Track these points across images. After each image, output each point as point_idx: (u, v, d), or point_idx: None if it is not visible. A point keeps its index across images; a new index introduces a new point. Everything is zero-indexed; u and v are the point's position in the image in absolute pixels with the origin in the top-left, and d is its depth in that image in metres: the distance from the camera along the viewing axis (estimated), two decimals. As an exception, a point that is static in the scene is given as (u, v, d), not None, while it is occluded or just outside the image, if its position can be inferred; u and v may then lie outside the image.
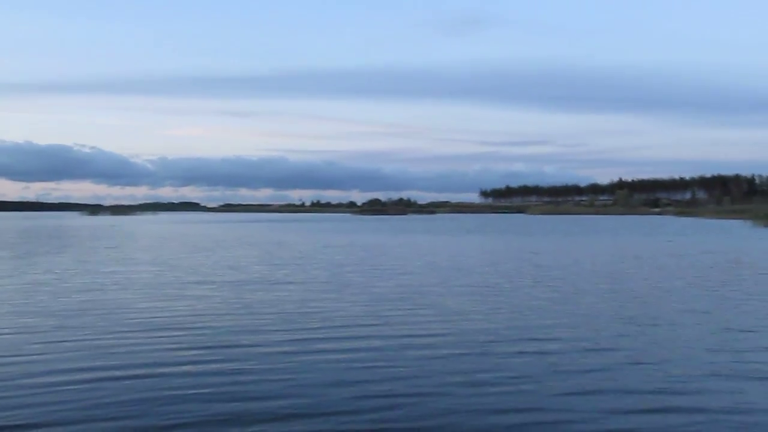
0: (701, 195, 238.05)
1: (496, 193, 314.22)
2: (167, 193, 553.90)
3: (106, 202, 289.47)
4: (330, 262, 28.96)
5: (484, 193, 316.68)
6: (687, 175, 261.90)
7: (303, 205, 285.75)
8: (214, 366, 9.95)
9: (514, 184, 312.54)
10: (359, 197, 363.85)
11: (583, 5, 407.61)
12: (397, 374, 9.46)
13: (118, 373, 9.47)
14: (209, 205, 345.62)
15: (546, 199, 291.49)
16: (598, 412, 7.81)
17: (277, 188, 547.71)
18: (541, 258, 31.35)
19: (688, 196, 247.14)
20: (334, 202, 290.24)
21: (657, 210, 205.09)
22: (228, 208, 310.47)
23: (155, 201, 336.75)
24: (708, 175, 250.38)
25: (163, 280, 21.70)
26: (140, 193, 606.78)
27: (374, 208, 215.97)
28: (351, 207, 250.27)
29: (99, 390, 8.63)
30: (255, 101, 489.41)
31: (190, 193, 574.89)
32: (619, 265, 27.79)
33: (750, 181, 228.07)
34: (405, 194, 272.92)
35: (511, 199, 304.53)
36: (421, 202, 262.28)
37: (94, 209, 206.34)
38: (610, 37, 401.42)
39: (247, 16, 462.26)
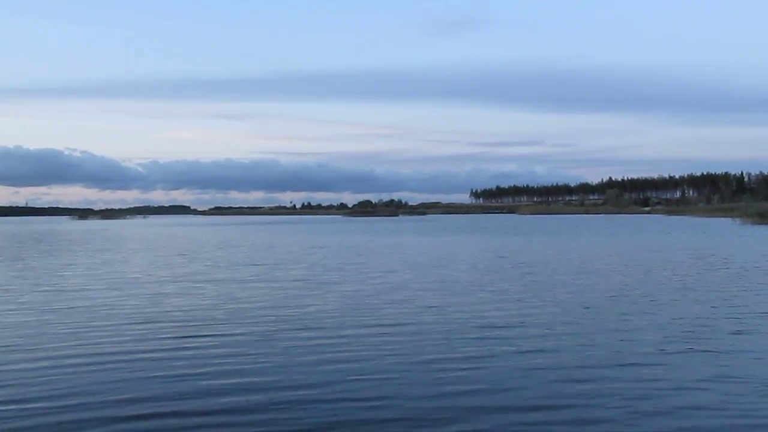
0: (691, 193, 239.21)
1: (487, 194, 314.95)
2: (158, 196, 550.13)
3: (97, 207, 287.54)
4: (306, 261, 29.40)
5: (475, 194, 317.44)
6: (677, 174, 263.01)
7: (294, 207, 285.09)
8: (182, 361, 10.33)
9: (505, 184, 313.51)
10: (351, 199, 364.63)
11: (573, 6, 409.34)
12: (357, 364, 9.88)
13: (93, 366, 9.86)
14: (200, 209, 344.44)
15: (536, 199, 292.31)
16: (543, 392, 8.17)
17: (268, 191, 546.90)
18: (517, 256, 31.91)
19: (677, 194, 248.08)
20: (325, 204, 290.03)
21: (647, 209, 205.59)
22: (218, 211, 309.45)
23: (146, 205, 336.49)
24: (697, 173, 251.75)
25: (147, 280, 22.02)
26: (131, 197, 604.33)
27: (365, 209, 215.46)
28: (341, 209, 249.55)
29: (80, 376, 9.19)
30: (246, 104, 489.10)
31: (180, 197, 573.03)
32: (592, 261, 28.21)
33: (739, 180, 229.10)
34: (396, 195, 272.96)
35: (502, 199, 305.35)
36: (412, 203, 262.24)
37: (83, 213, 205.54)
38: (600, 37, 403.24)
39: (238, 18, 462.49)
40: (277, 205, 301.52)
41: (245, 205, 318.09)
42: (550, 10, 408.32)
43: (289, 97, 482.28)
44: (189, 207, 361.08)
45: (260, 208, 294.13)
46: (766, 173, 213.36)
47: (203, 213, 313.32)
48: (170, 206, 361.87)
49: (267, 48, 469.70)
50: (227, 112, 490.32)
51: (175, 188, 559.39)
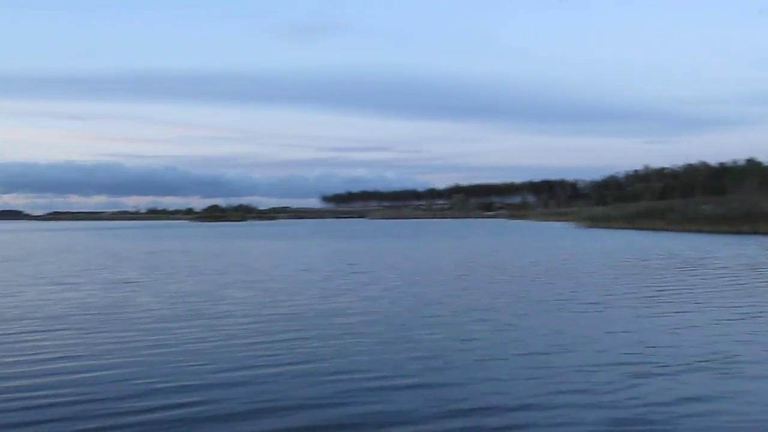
0: (531, 198, 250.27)
1: (338, 199, 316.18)
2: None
3: None
4: (136, 265, 29.68)
5: (326, 199, 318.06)
6: (518, 180, 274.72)
7: (138, 212, 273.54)
8: None
9: (356, 189, 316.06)
10: (199, 203, 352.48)
11: (423, 17, 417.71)
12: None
13: None
14: (34, 213, 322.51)
15: (386, 203, 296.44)
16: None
17: (111, 195, 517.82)
18: (349, 257, 33.60)
19: (518, 199, 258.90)
20: (172, 208, 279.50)
21: (491, 213, 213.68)
22: (56, 216, 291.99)
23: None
24: (537, 179, 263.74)
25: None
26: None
27: (213, 214, 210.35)
28: (189, 214, 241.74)
29: None
30: (89, 104, 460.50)
31: (13, 201, 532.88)
32: (423, 262, 30.26)
33: (573, 186, 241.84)
34: (247, 200, 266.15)
35: (353, 204, 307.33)
36: (262, 207, 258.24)
37: None
38: (447, 48, 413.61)
39: (78, 13, 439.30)
40: (120, 210, 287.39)
41: (86, 210, 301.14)
42: (400, 20, 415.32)
43: (134, 97, 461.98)
44: (21, 212, 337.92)
45: (102, 213, 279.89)
46: (597, 180, 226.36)
47: (38, 218, 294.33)
48: (0, 211, 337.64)
49: (110, 46, 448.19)
50: (67, 112, 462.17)
51: (7, 192, 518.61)
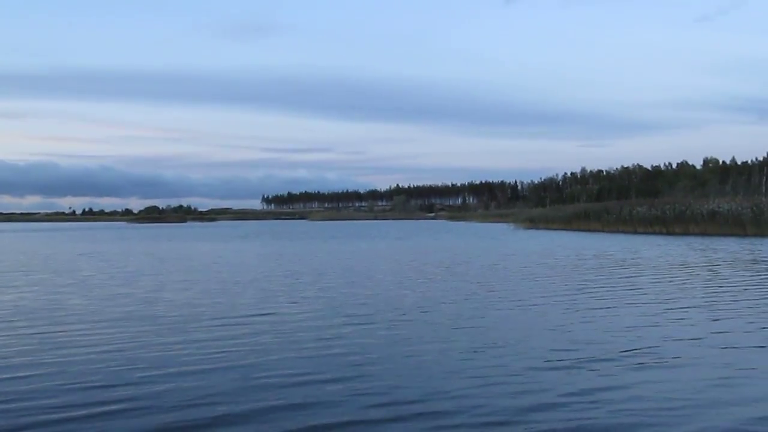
0: (471, 200, 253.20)
1: (279, 200, 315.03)
2: None
3: None
4: (68, 268, 29.50)
5: (267, 200, 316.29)
6: (458, 182, 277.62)
7: (73, 213, 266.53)
8: None
9: (297, 190, 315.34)
10: (137, 204, 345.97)
11: (365, 18, 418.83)
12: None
13: None
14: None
15: (327, 205, 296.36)
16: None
17: (46, 195, 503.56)
18: (279, 259, 33.94)
19: (459, 201, 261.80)
20: (109, 209, 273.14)
21: (432, 215, 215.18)
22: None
23: None
24: (477, 181, 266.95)
25: None
26: None
27: (151, 216, 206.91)
28: (126, 215, 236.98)
29: None
30: (23, 101, 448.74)
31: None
32: (359, 263, 30.74)
33: (513, 188, 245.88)
34: (186, 201, 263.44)
35: (294, 205, 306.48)
36: (202, 209, 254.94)
37: None
38: (389, 49, 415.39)
39: (14, 9, 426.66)
40: (55, 211, 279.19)
41: (19, 211, 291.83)
42: (343, 21, 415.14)
43: (71, 96, 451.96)
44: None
45: (35, 214, 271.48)
46: (536, 182, 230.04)
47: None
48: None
49: (48, 42, 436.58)
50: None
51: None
